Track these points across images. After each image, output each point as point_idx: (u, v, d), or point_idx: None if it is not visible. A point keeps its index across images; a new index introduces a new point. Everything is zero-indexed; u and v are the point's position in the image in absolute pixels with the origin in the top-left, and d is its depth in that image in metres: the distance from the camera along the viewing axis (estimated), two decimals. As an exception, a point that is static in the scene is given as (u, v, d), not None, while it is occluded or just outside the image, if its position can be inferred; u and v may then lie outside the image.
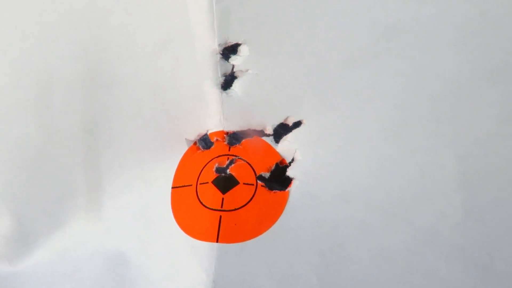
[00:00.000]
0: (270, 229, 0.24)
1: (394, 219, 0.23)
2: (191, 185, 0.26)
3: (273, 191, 0.24)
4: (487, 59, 0.22)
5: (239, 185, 0.25)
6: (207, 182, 0.25)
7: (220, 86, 0.25)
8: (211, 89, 0.25)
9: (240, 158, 0.26)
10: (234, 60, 0.25)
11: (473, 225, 0.22)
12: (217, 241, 0.23)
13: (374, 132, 0.24)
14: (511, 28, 0.21)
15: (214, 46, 0.25)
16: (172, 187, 0.26)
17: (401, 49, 0.23)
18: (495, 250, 0.21)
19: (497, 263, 0.21)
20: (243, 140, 0.26)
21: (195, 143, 0.27)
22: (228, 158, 0.26)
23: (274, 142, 0.26)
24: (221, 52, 0.25)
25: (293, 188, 0.24)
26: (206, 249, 0.23)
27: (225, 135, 0.26)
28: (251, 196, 0.24)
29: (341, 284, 0.23)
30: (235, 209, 0.24)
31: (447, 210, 0.22)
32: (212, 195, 0.25)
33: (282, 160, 0.25)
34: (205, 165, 0.26)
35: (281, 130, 0.25)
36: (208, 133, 0.26)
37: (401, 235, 0.23)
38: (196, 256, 0.23)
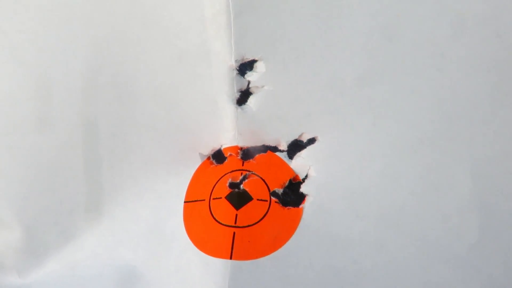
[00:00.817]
0: (284, 246, 0.23)
1: (409, 238, 0.23)
2: (204, 200, 0.25)
3: (287, 207, 0.24)
4: (503, 78, 0.22)
5: (252, 201, 0.25)
6: (221, 198, 0.25)
7: (235, 101, 0.25)
8: (226, 104, 0.25)
9: (253, 174, 0.26)
10: (250, 76, 0.25)
11: (489, 245, 0.22)
12: (230, 258, 0.23)
13: (389, 149, 0.24)
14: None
15: (230, 62, 0.25)
16: (185, 201, 0.26)
17: (415, 67, 0.23)
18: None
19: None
20: (257, 156, 0.26)
21: (208, 158, 0.27)
22: (241, 173, 0.26)
23: (288, 158, 0.26)
24: (237, 68, 0.25)
25: (307, 205, 0.24)
26: (219, 266, 0.23)
27: (239, 150, 0.26)
28: (264, 212, 0.24)
29: (355, 303, 0.23)
30: (249, 226, 0.24)
31: (463, 229, 0.22)
32: (225, 210, 0.25)
33: (296, 176, 0.25)
34: (218, 180, 0.26)
35: (295, 146, 0.25)
36: (222, 148, 0.26)
37: (416, 254, 0.23)
38: (209, 273, 0.23)
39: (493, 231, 0.22)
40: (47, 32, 0.24)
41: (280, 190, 0.25)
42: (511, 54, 0.22)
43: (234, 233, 0.24)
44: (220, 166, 0.26)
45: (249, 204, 0.25)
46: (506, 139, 0.22)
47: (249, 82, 0.25)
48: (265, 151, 0.26)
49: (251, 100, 0.25)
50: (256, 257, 0.23)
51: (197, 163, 0.27)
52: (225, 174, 0.26)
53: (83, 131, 0.26)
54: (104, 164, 0.26)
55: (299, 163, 0.25)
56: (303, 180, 0.25)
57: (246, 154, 0.26)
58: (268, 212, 0.24)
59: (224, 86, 0.25)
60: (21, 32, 0.24)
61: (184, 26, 0.24)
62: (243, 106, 0.25)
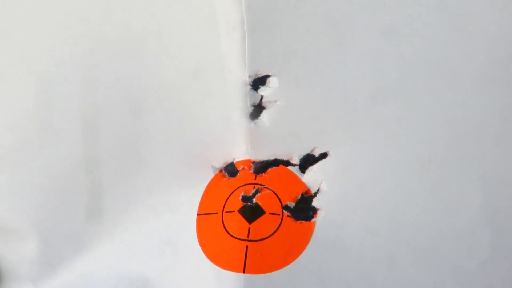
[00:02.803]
0: (296, 260, 0.24)
1: (420, 253, 0.23)
2: (216, 213, 0.26)
3: (299, 221, 0.25)
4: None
5: (265, 214, 0.25)
6: (233, 211, 0.25)
7: (248, 116, 0.26)
8: (240, 118, 0.26)
9: (266, 187, 0.26)
10: (263, 91, 0.25)
11: (501, 263, 0.22)
12: (243, 272, 0.23)
13: (400, 166, 0.24)
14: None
15: (244, 77, 0.25)
16: (198, 214, 0.26)
17: (428, 85, 0.23)
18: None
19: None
20: (269, 169, 0.26)
21: (221, 171, 0.27)
22: (254, 187, 0.26)
23: (300, 172, 0.26)
24: (251, 83, 0.25)
25: (318, 219, 0.25)
26: (232, 279, 0.23)
27: (251, 164, 0.26)
28: (277, 226, 0.25)
29: (367, 318, 0.23)
30: (262, 239, 0.24)
31: (474, 247, 0.22)
32: (238, 224, 0.25)
33: (308, 191, 0.25)
34: (231, 193, 0.26)
35: (307, 161, 0.26)
36: (234, 161, 0.27)
37: (427, 270, 0.23)
38: (222, 286, 0.23)
39: (504, 248, 0.22)
40: (60, 46, 0.25)
41: (292, 204, 0.25)
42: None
43: (247, 246, 0.24)
44: (232, 179, 0.27)
45: (262, 217, 0.25)
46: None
47: (262, 97, 0.25)
48: (277, 165, 0.26)
49: (264, 115, 0.26)
50: (269, 271, 0.23)
51: (209, 176, 0.27)
52: (238, 188, 0.26)
53: (96, 144, 0.26)
54: (118, 177, 0.26)
55: (311, 177, 0.26)
56: (315, 194, 0.25)
57: (259, 168, 0.26)
58: (281, 226, 0.25)
59: (238, 101, 0.26)
60: (37, 46, 0.25)
61: (199, 43, 0.25)
62: (256, 121, 0.26)
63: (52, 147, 0.26)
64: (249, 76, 0.25)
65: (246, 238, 0.24)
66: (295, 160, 0.26)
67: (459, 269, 0.22)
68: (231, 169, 0.27)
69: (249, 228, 0.25)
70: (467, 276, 0.22)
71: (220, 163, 0.27)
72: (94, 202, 0.26)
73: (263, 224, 0.25)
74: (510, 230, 0.22)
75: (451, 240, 0.23)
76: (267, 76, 0.25)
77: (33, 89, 0.25)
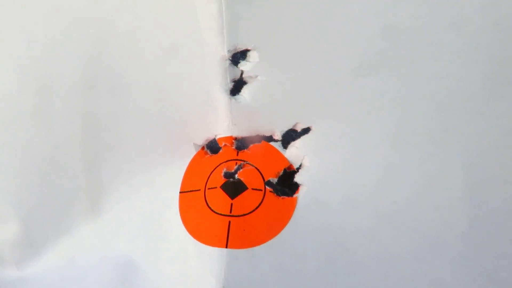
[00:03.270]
0: (279, 234, 0.24)
1: (400, 227, 0.23)
2: (199, 190, 0.26)
3: (281, 197, 0.25)
4: (497, 69, 0.22)
5: (247, 190, 0.25)
6: (216, 187, 0.25)
7: (229, 91, 0.25)
8: (220, 94, 0.25)
9: (248, 163, 0.26)
10: (243, 65, 0.25)
11: (478, 234, 0.22)
12: (226, 247, 0.23)
13: (382, 139, 0.24)
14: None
15: (223, 52, 0.24)
16: (180, 192, 0.26)
17: (411, 58, 0.23)
18: (499, 259, 0.22)
19: (501, 272, 0.21)
20: (251, 145, 0.26)
21: (203, 148, 0.27)
22: (236, 163, 0.26)
23: (282, 147, 0.26)
24: (230, 58, 0.25)
25: (301, 194, 0.24)
26: (215, 254, 0.23)
27: (233, 140, 0.26)
28: (259, 201, 0.25)
29: (349, 290, 0.23)
30: (244, 215, 0.24)
31: (453, 218, 0.22)
32: (220, 200, 0.25)
33: (290, 166, 0.25)
34: (213, 170, 0.26)
35: (290, 136, 0.25)
36: (216, 138, 0.26)
37: (407, 243, 0.23)
38: (205, 262, 0.23)
39: (482, 221, 0.22)
40: (40, 26, 0.24)
41: (274, 180, 0.25)
42: (508, 46, 0.22)
43: (229, 222, 0.24)
44: (214, 156, 0.26)
45: (244, 193, 0.25)
46: (498, 131, 0.22)
47: (242, 72, 0.25)
48: (259, 141, 0.26)
49: (244, 90, 0.25)
50: (252, 246, 0.23)
51: (191, 153, 0.27)
52: (220, 164, 0.26)
53: (77, 124, 0.25)
54: (99, 156, 0.26)
55: (293, 153, 0.25)
56: (297, 169, 0.25)
57: (241, 144, 0.26)
58: (263, 202, 0.25)
59: (217, 76, 0.25)
60: (15, 26, 0.24)
61: (174, 16, 0.24)
62: (237, 96, 0.25)
63: (31, 128, 0.25)
64: (228, 50, 0.24)
65: (228, 213, 0.24)
66: (277, 136, 0.26)
67: (438, 240, 0.22)
68: (213, 146, 0.26)
69: (231, 204, 0.25)
70: (446, 247, 0.22)
71: (202, 140, 0.27)
72: (75, 183, 0.26)
73: (245, 200, 0.25)
74: (488, 202, 0.22)
75: (431, 212, 0.23)
76: (247, 50, 0.24)
77: (9, 71, 0.25)
